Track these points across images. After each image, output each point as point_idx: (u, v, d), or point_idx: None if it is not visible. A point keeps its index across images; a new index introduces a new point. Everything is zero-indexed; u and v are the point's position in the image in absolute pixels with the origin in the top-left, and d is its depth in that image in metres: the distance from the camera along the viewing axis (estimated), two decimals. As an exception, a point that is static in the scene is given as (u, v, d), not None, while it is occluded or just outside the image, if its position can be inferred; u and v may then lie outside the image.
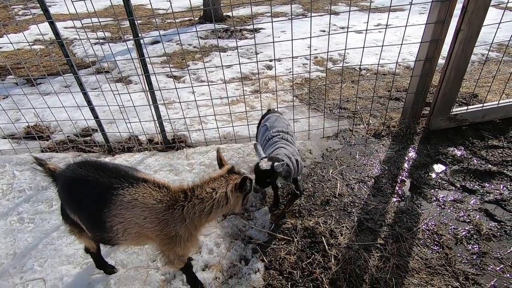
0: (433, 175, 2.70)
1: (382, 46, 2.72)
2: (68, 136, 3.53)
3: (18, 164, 3.15)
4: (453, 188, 2.56)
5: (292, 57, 2.94)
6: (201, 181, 1.68)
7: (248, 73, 5.05)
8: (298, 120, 3.55)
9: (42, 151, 3.38)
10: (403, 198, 2.50)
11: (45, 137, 3.61)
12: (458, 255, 2.05)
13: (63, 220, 1.78)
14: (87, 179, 1.52)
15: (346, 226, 2.31)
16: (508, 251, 2.04)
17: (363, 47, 2.77)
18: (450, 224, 2.26)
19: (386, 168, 2.82)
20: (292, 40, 2.67)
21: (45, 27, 4.55)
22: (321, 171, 2.86)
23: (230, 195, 1.64)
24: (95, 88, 4.68)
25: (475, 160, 2.79)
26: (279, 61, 5.42)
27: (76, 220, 1.64)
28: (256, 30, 7.58)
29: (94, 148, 3.38)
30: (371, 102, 3.60)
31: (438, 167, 2.78)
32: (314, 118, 3.51)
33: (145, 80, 2.82)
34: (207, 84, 3.58)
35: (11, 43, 2.80)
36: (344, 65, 5.05)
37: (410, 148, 3.02)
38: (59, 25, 7.70)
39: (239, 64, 2.92)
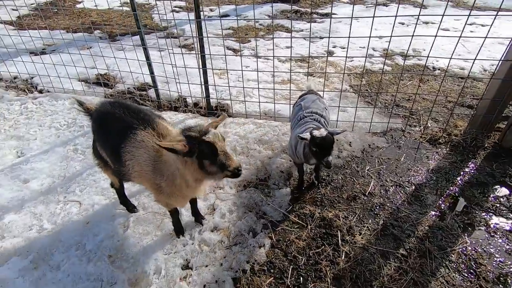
0: (491, 198, 2.28)
1: (458, 39, 2.31)
2: (128, 88, 3.88)
3: (84, 104, 3.59)
4: (513, 217, 2.14)
5: (347, 53, 2.69)
6: None
7: (307, 56, 4.84)
8: (346, 110, 3.32)
9: (105, 97, 3.77)
10: (444, 214, 2.18)
11: (110, 85, 4.01)
12: (496, 292, 1.73)
13: (93, 154, 1.97)
14: (115, 115, 1.64)
15: (368, 227, 2.12)
16: None
17: (432, 43, 2.39)
18: (497, 255, 1.90)
19: (434, 178, 2.48)
20: (360, 37, 2.42)
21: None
22: (356, 165, 2.64)
23: (175, 159, 1.51)
24: (161, 50, 5.01)
25: (554, 193, 2.27)
26: (344, 48, 5.09)
27: (102, 154, 1.80)
28: (327, 15, 7.19)
29: (146, 102, 3.65)
30: (435, 104, 3.16)
31: (501, 190, 2.34)
32: (363, 111, 3.23)
33: (198, 43, 2.90)
34: (255, 57, 3.53)
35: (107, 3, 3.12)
36: (414, 61, 4.50)
37: (470, 163, 2.59)
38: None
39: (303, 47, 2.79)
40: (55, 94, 3.82)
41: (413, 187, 2.41)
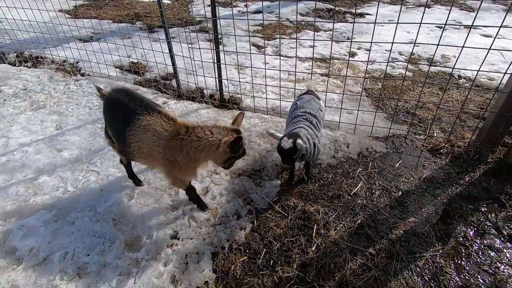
0: (479, 213, 2.25)
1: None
2: (155, 77, 4.27)
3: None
4: (496, 233, 2.10)
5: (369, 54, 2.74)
6: (204, 123, 1.92)
7: (328, 56, 4.88)
8: (352, 112, 3.36)
9: (134, 83, 4.21)
10: (423, 222, 2.21)
11: (140, 73, 4.44)
12: (456, 300, 1.77)
13: (104, 134, 2.32)
14: (120, 102, 1.95)
15: (344, 224, 2.23)
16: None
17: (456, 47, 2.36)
18: (466, 267, 1.92)
19: (424, 186, 2.48)
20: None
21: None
22: (349, 167, 2.72)
23: (222, 145, 1.83)
24: (190, 43, 5.36)
25: (552, 216, 2.18)
26: (368, 50, 5.02)
27: (110, 134, 2.13)
28: (361, 15, 7.04)
29: (168, 90, 4.01)
30: (449, 114, 3.08)
31: (491, 207, 2.29)
32: (370, 114, 3.26)
33: (213, 40, 3.14)
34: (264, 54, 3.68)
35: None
36: (440, 68, 4.33)
37: (467, 176, 2.54)
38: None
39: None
40: (94, 78, 4.33)
41: (400, 193, 2.44)
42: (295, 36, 5.59)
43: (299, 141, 2.03)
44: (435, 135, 3.01)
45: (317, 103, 2.52)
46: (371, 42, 2.69)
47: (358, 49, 5.07)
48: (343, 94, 3.00)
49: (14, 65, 4.90)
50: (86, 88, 4.09)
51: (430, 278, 1.87)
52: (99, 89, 2.21)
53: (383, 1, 8.38)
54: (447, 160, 2.71)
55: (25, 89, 4.11)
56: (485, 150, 2.68)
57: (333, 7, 7.36)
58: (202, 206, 2.36)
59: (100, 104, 3.73)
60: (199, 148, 1.85)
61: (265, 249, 2.11)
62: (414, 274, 1.89)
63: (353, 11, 7.24)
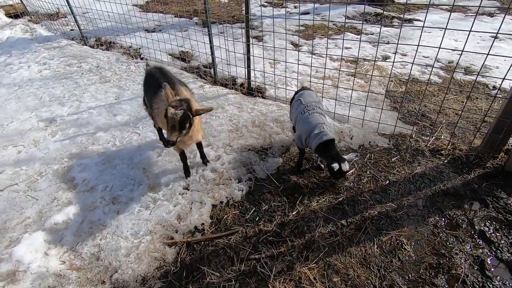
0: (458, 209, 2.36)
1: None
2: (198, 65, 4.93)
3: (165, 72, 4.79)
4: (468, 227, 2.21)
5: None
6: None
7: (360, 58, 5.03)
8: (367, 110, 3.56)
9: (180, 69, 4.91)
10: (400, 208, 2.40)
11: (187, 61, 5.15)
12: (403, 270, 1.98)
13: (142, 101, 2.95)
14: (154, 77, 2.53)
15: (326, 199, 2.53)
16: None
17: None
18: (424, 246, 2.11)
19: (412, 180, 2.65)
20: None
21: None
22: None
23: None
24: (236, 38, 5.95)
25: (537, 223, 2.20)
26: (405, 55, 5.04)
27: (146, 101, 2.74)
28: (410, 21, 6.91)
29: (206, 77, 4.62)
30: (464, 120, 3.11)
31: (473, 205, 2.38)
32: (384, 113, 3.43)
33: (245, 34, 3.62)
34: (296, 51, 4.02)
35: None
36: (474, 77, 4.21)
37: (460, 176, 2.63)
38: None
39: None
40: (150, 61, 5.16)
41: (387, 182, 2.65)
42: (330, 37, 5.81)
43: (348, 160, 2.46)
44: (442, 137, 3.09)
45: (316, 95, 2.83)
46: (397, 44, 2.90)
47: (393, 53, 5.12)
48: (385, 95, 3.23)
49: (92, 47, 6.02)
50: (142, 69, 4.92)
51: (388, 251, 2.10)
52: (147, 64, 2.84)
53: (441, 8, 8.03)
54: (445, 161, 2.81)
55: (97, 66, 5.10)
56: (486, 156, 2.71)
57: (382, 11, 7.33)
58: (185, 174, 2.82)
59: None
60: None
61: (254, 208, 2.53)
62: (375, 245, 2.14)
63: (402, 16, 7.12)
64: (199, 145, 2.87)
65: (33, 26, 7.07)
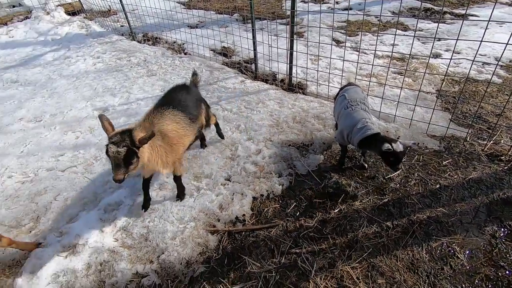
0: (523, 220, 2.17)
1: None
2: (239, 60, 5.00)
3: (207, 66, 4.93)
4: (533, 241, 2.02)
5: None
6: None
7: (412, 54, 4.76)
8: (415, 110, 3.38)
9: (222, 64, 5.02)
10: (452, 214, 2.26)
11: (228, 56, 5.25)
12: (455, 280, 1.86)
13: None
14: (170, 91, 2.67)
15: (370, 199, 2.46)
16: None
17: None
18: (480, 256, 1.96)
19: (466, 185, 2.47)
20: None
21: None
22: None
23: None
24: (277, 34, 5.95)
25: None
26: (458, 53, 4.70)
27: None
28: (464, 16, 6.39)
29: (247, 72, 4.68)
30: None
31: (539, 217, 2.16)
32: (435, 114, 3.24)
33: (290, 29, 3.61)
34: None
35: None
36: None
37: (523, 185, 2.40)
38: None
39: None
40: (193, 56, 5.34)
41: (437, 186, 2.50)
42: (374, 33, 5.58)
43: (402, 142, 2.23)
44: (502, 142, 2.84)
45: (361, 91, 2.74)
46: (456, 39, 2.72)
47: (445, 50, 4.79)
48: (411, 91, 3.08)
49: (140, 43, 6.36)
50: (186, 63, 5.10)
51: (438, 258, 1.99)
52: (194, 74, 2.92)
53: (501, 1, 7.34)
54: (505, 167, 2.58)
55: (145, 61, 5.38)
56: (556, 164, 2.45)
57: (433, 7, 6.88)
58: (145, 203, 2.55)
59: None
60: None
61: (295, 203, 2.53)
62: (424, 250, 2.04)
63: (456, 11, 6.62)
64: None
65: (88, 22, 7.63)
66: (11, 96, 4.65)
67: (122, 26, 7.27)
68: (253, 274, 2.05)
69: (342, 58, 3.62)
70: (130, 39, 6.52)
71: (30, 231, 2.49)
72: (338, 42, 5.54)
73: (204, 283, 2.03)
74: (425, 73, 3.16)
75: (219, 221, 2.45)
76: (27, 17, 7.98)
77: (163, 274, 2.10)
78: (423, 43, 5.19)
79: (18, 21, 7.82)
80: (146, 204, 2.55)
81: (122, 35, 6.79)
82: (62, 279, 2.10)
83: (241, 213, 2.50)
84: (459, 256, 1.99)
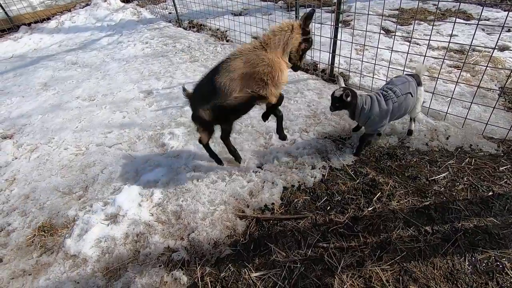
0: None
1: None
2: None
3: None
4: None
5: None
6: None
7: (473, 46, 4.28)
8: (471, 108, 3.05)
9: (263, 52, 4.97)
10: (506, 226, 2.02)
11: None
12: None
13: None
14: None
15: (409, 201, 2.30)
16: None
17: None
18: (538, 280, 1.73)
19: (526, 196, 2.18)
20: None
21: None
22: (439, 156, 2.63)
23: (296, 26, 2.28)
24: (320, 23, 5.72)
25: None
26: (531, 46, 4.11)
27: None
28: (545, 4, 5.54)
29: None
30: None
31: None
32: (494, 114, 2.89)
33: (335, 17, 3.44)
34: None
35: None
36: None
37: None
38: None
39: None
40: (234, 44, 5.37)
41: (490, 193, 2.25)
42: (431, 23, 5.08)
43: (346, 93, 2.45)
44: None
45: (411, 86, 2.52)
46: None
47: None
48: (468, 87, 2.78)
49: (185, 29, 6.55)
50: (227, 50, 5.15)
51: (483, 271, 1.81)
52: (184, 89, 2.80)
53: None
54: None
55: (188, 47, 5.54)
56: None
57: (504, -7, 6.06)
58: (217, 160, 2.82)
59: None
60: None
61: (326, 197, 2.46)
62: (467, 261, 1.86)
63: (534, -2, 5.76)
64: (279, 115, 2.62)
65: (139, 9, 8.04)
66: (70, 76, 5.12)
67: (170, 13, 7.54)
68: (277, 262, 2.05)
69: (391, 49, 3.37)
70: (176, 26, 6.75)
71: (79, 199, 2.75)
72: (387, 32, 5.16)
73: (230, 265, 2.08)
74: (487, 67, 2.82)
75: (248, 207, 2.48)
76: (87, 4, 8.64)
77: (191, 252, 2.19)
78: (488, 33, 4.63)
79: (80, 8, 8.52)
80: (218, 160, 2.84)
81: (170, 21, 7.05)
82: (103, 245, 2.30)
83: (270, 202, 2.50)
84: (508, 272, 1.78)
